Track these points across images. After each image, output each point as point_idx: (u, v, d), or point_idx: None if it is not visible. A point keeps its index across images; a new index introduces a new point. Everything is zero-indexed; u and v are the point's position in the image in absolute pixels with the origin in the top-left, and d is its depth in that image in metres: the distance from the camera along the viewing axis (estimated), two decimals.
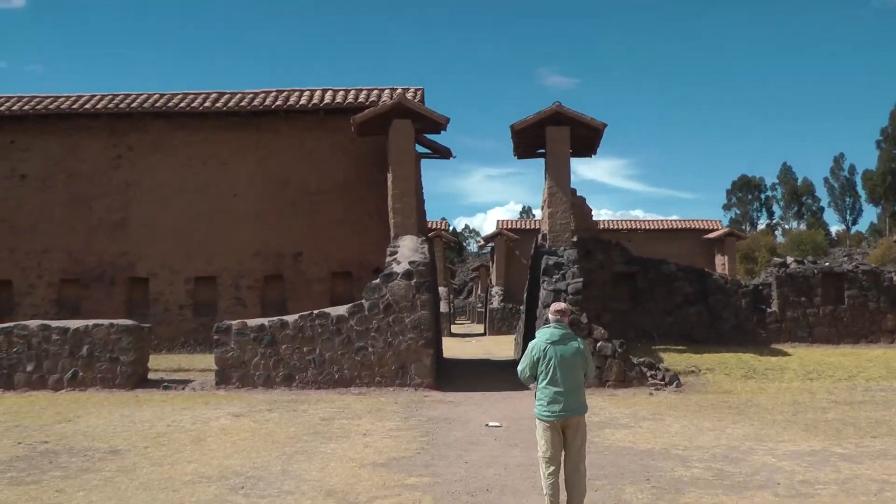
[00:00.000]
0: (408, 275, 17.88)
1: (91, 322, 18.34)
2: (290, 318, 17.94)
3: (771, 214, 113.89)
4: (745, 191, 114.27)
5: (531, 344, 7.89)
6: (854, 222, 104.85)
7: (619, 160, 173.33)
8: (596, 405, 13.84)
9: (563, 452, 7.68)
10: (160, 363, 20.06)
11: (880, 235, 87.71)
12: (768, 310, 23.00)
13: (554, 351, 7.66)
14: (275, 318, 18.07)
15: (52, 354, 17.75)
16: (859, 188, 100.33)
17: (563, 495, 7.66)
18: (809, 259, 24.35)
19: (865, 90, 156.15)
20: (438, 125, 20.53)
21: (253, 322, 18.03)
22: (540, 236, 21.65)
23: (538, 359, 7.72)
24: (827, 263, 25.62)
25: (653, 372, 17.21)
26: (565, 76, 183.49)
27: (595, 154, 23.02)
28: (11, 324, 18.37)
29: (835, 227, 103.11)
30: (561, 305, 7.98)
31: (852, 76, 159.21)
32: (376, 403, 15.62)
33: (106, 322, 18.25)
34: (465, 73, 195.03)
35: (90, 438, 12.02)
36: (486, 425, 13.15)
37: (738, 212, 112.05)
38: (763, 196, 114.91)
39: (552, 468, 7.60)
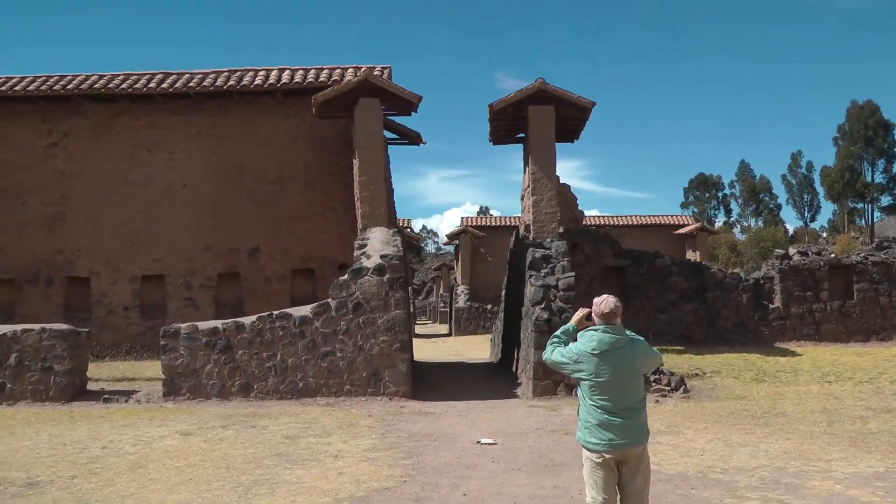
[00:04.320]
0: (379, 269, 15.94)
1: (20, 327, 16.23)
2: (247, 320, 15.91)
3: (729, 212, 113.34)
4: (703, 189, 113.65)
5: (572, 348, 5.86)
6: (812, 219, 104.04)
7: (574, 161, 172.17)
8: None
9: (618, 496, 5.77)
10: (102, 371, 18.06)
11: (838, 232, 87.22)
12: (770, 306, 21.25)
13: (604, 364, 5.65)
14: (229, 321, 16.02)
15: None
16: (817, 185, 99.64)
17: None
18: (813, 250, 22.72)
19: (822, 87, 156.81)
20: (410, 105, 18.55)
21: (205, 325, 15.97)
22: (522, 228, 19.80)
23: (577, 369, 5.78)
24: (833, 255, 24.04)
25: (656, 376, 15.43)
26: (522, 80, 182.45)
27: (577, 139, 21.21)
28: None
29: (791, 225, 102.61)
30: (610, 302, 5.80)
31: (809, 73, 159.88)
32: (347, 416, 13.73)
33: (37, 327, 16.14)
34: (420, 73, 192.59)
35: (5, 467, 9.94)
36: (479, 443, 11.40)
37: (695, 210, 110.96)
38: (720, 194, 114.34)
39: None
